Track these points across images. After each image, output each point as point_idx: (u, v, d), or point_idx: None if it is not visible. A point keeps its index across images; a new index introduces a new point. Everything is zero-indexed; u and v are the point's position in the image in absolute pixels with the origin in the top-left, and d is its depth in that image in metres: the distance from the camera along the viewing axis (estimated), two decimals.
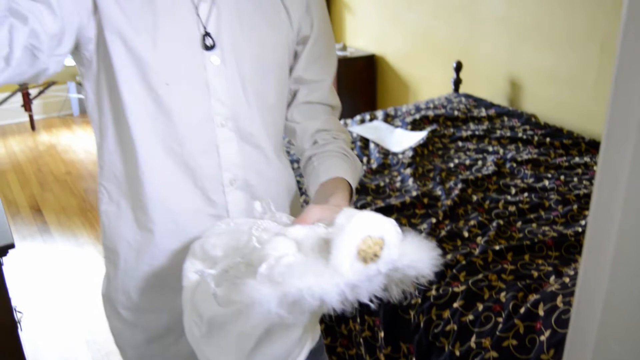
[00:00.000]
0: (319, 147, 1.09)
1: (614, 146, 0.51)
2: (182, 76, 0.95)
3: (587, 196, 2.13)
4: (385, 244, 0.72)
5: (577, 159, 2.49)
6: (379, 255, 0.71)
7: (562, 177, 2.31)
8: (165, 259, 1.03)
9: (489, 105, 3.08)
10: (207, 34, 0.96)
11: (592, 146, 2.61)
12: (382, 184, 2.31)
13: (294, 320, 0.68)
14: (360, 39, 4.29)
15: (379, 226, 0.72)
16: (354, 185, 1.04)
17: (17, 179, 3.93)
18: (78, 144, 4.54)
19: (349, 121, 3.09)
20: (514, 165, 2.42)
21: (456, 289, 1.63)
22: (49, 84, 4.54)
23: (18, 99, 4.77)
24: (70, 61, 1.00)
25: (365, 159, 2.60)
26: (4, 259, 1.59)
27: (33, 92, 4.78)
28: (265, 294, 0.66)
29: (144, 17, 0.91)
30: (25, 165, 4.15)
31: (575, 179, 2.30)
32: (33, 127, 4.87)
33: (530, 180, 2.30)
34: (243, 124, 1.01)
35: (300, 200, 1.21)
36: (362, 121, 3.04)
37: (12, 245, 1.53)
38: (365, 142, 2.75)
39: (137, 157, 0.98)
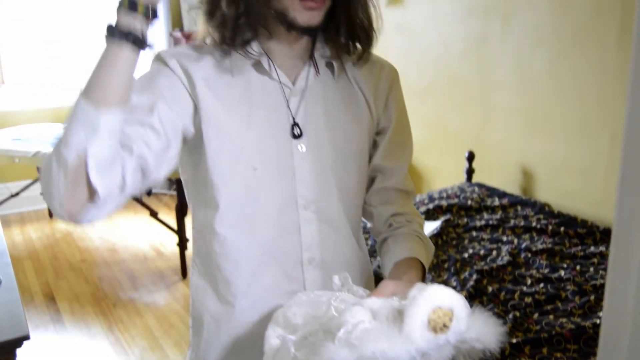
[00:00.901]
0: (394, 229, 1.16)
1: (624, 242, 0.52)
2: (270, 162, 1.06)
3: (604, 286, 2.10)
4: (454, 315, 0.77)
5: (592, 248, 2.47)
6: (448, 326, 0.77)
7: (578, 267, 2.29)
8: (243, 330, 1.11)
9: (502, 194, 3.10)
10: (295, 124, 1.07)
11: (607, 235, 2.59)
12: None
13: None
14: None
15: (449, 298, 0.78)
16: (427, 265, 1.10)
17: (32, 266, 3.95)
18: (94, 231, 4.59)
19: None
20: (529, 255, 2.41)
21: None
22: None
23: (37, 187, 4.86)
24: None
25: None
26: (19, 350, 1.59)
27: None
28: (343, 356, 0.71)
29: (240, 109, 1.04)
30: (41, 252, 4.18)
31: (592, 269, 2.28)
32: (51, 215, 4.94)
33: (546, 271, 2.28)
34: (324, 207, 1.10)
35: (373, 284, 1.26)
36: None
37: (27, 337, 1.53)
38: None
39: (224, 236, 1.08)
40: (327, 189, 1.10)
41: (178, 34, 5.20)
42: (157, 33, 5.24)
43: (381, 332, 0.75)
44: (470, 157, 3.37)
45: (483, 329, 0.80)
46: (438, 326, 0.77)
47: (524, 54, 3.10)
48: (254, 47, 1.05)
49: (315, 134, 1.09)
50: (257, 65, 1.07)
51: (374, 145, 1.17)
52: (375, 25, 1.09)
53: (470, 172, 3.39)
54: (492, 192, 3.13)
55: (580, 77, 2.83)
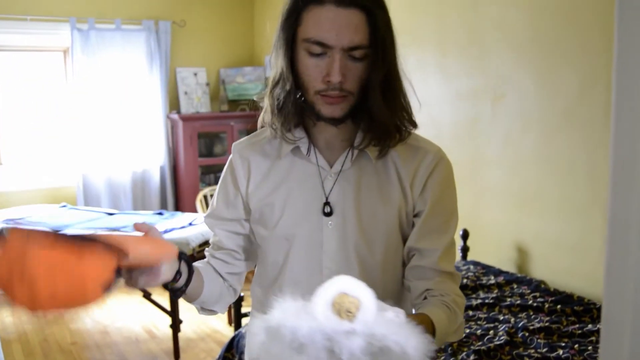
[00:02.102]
0: (427, 301, 1.19)
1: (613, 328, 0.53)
2: (302, 234, 1.23)
3: None
4: (361, 305, 0.83)
5: (590, 326, 2.46)
6: (353, 312, 0.82)
7: (576, 346, 2.27)
8: None
9: (497, 272, 3.10)
10: (327, 203, 1.22)
11: None
12: None
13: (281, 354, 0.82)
14: None
15: (357, 289, 0.85)
16: (438, 332, 1.07)
17: (21, 349, 3.87)
18: (86, 313, 4.52)
19: None
20: (527, 334, 2.39)
21: None
22: None
23: None
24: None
25: None
26: None
27: None
28: (257, 325, 0.84)
29: (278, 191, 1.25)
30: (31, 334, 4.10)
31: (590, 348, 2.25)
32: None
33: (544, 350, 2.26)
34: None
35: None
36: None
37: None
38: None
39: (258, 297, 1.33)
40: (347, 264, 1.21)
41: (175, 116, 5.31)
42: (155, 115, 5.35)
43: (292, 307, 0.85)
44: (465, 235, 3.39)
45: (402, 333, 0.83)
46: (342, 310, 0.82)
47: (514, 135, 3.18)
48: (297, 133, 1.23)
49: (344, 212, 1.22)
50: (297, 149, 1.25)
51: (413, 226, 1.25)
52: (407, 113, 1.22)
53: (465, 250, 3.40)
54: (488, 270, 3.13)
55: (570, 157, 2.89)
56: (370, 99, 1.15)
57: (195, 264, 1.29)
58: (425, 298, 1.20)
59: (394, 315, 0.87)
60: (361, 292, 0.85)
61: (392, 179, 1.23)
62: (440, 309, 1.14)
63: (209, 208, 1.37)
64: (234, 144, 1.33)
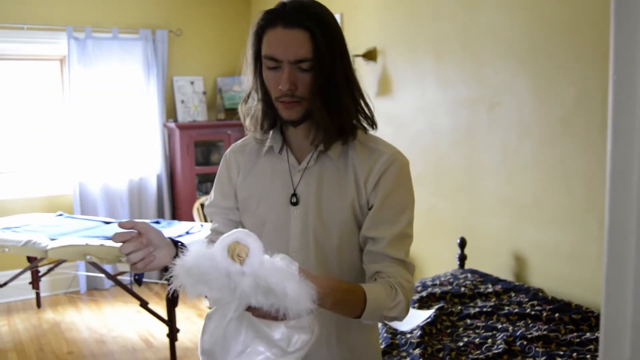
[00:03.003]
0: (374, 281, 1.39)
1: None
2: (274, 220, 1.47)
3: None
4: (249, 252, 1.09)
5: (588, 335, 2.45)
6: (243, 257, 1.09)
7: (574, 355, 2.27)
8: None
9: (495, 280, 3.09)
10: (294, 194, 1.46)
11: None
12: None
13: (192, 286, 1.10)
14: None
15: (248, 238, 1.11)
16: (371, 301, 1.29)
17: (17, 358, 3.85)
18: (82, 322, 4.50)
19: None
20: (525, 342, 2.38)
21: None
22: (58, 262, 4.60)
23: (27, 275, 4.81)
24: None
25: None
26: None
27: (43, 269, 4.83)
28: (177, 263, 1.11)
29: (258, 184, 1.51)
30: (27, 344, 4.08)
31: (589, 356, 2.25)
32: (39, 305, 4.86)
33: (543, 359, 2.25)
34: (305, 260, 1.43)
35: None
36: None
37: None
38: None
39: None
40: (307, 246, 1.44)
41: (172, 125, 5.31)
42: (152, 124, 5.35)
43: (199, 250, 1.11)
44: (462, 243, 3.38)
45: (280, 274, 1.07)
46: (235, 254, 1.09)
47: (511, 143, 3.19)
48: (273, 135, 1.48)
49: (307, 203, 1.44)
50: (272, 150, 1.50)
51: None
52: (363, 114, 1.44)
53: (462, 258, 3.40)
54: (485, 278, 3.13)
55: (567, 165, 2.90)
56: (309, 103, 1.36)
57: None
58: (375, 280, 1.38)
59: (282, 263, 1.09)
60: (251, 242, 1.10)
61: (349, 176, 1.43)
62: (382, 285, 1.33)
63: (208, 199, 1.62)
64: (231, 145, 1.60)
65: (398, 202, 1.42)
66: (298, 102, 1.36)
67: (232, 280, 1.07)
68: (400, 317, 1.37)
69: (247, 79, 1.47)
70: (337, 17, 4.45)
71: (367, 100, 1.45)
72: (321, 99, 1.36)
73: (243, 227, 1.53)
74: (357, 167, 1.43)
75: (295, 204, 1.45)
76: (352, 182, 1.42)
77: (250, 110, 1.50)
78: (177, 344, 3.70)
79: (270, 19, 1.35)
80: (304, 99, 1.36)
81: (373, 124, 1.46)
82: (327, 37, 1.34)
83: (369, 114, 1.45)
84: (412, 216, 1.44)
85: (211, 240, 1.50)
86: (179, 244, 1.39)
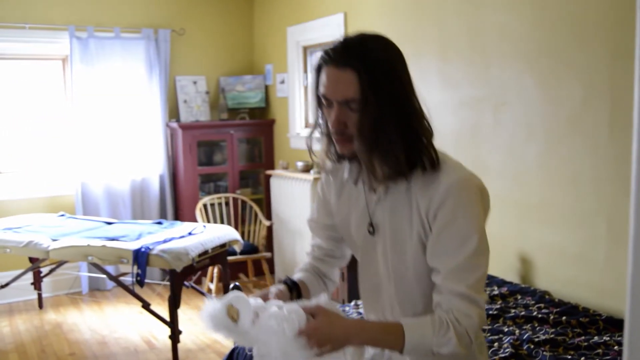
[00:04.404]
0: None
1: None
2: (362, 247, 1.59)
3: None
4: (240, 314, 1.32)
5: (596, 338, 2.41)
6: (236, 319, 1.32)
7: (582, 359, 2.23)
8: None
9: (500, 282, 3.05)
10: (370, 224, 1.54)
11: (610, 324, 2.54)
12: None
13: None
14: None
15: (238, 304, 1.33)
16: (411, 337, 1.33)
17: (18, 359, 3.83)
18: (84, 323, 4.47)
19: (360, 302, 3.05)
20: (532, 346, 2.35)
21: None
22: (60, 263, 4.57)
23: (29, 276, 4.78)
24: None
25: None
26: None
27: (44, 270, 4.81)
28: (203, 312, 1.36)
29: (345, 209, 1.62)
30: (28, 345, 4.06)
31: None
32: (41, 306, 4.83)
33: None
34: (386, 287, 1.54)
35: None
36: None
37: None
38: None
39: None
40: (388, 274, 1.52)
41: (174, 124, 5.28)
42: (154, 124, 5.32)
43: (214, 307, 1.34)
44: None
45: (267, 333, 1.29)
46: (230, 315, 1.31)
47: (517, 143, 3.15)
48: (350, 166, 1.57)
49: (383, 233, 1.51)
50: (348, 180, 1.59)
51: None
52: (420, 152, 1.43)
53: None
54: (491, 280, 3.09)
55: (574, 165, 2.86)
56: (354, 144, 1.40)
57: (298, 275, 1.68)
58: (434, 311, 1.40)
59: (274, 321, 1.29)
60: (240, 306, 1.33)
61: (413, 207, 1.44)
62: (431, 321, 1.35)
63: (311, 214, 1.75)
64: (326, 167, 1.63)
65: (458, 233, 1.38)
66: (349, 139, 1.40)
67: (235, 333, 1.33)
68: (460, 353, 1.36)
69: (312, 113, 1.53)
70: (340, 16, 4.41)
71: (433, 138, 1.46)
72: (370, 140, 1.37)
73: (341, 242, 1.73)
74: (419, 198, 1.43)
75: (372, 233, 1.53)
76: (416, 213, 1.44)
77: (313, 141, 1.58)
78: (179, 345, 3.67)
79: (325, 58, 1.39)
80: (354, 136, 1.39)
81: (434, 164, 1.42)
82: (376, 77, 1.33)
83: (432, 153, 1.43)
84: (479, 246, 1.40)
85: (315, 257, 1.75)
86: (287, 282, 1.62)
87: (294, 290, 1.60)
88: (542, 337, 2.41)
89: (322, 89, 1.39)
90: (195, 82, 5.53)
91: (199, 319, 1.30)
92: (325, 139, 1.50)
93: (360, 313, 2.85)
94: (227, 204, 5.38)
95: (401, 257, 1.47)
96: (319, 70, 1.41)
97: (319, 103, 1.44)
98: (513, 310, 2.73)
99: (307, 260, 1.76)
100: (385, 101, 1.34)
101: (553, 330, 2.50)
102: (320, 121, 1.48)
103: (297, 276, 1.69)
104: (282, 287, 1.57)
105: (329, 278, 1.75)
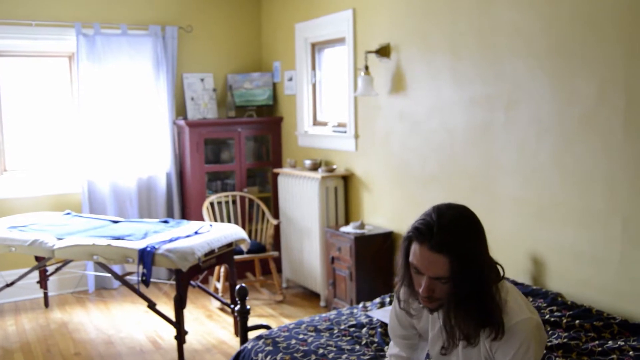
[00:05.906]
0: None
1: None
2: (433, 357, 1.85)
3: None
4: None
5: (610, 343, 2.35)
6: None
7: None
8: None
9: (512, 284, 2.99)
10: (442, 347, 1.73)
11: (625, 328, 2.48)
12: None
13: None
14: (378, 217, 4.33)
15: None
16: None
17: (23, 358, 3.79)
18: (90, 322, 4.44)
19: (368, 304, 3.00)
20: (544, 351, 2.29)
21: None
22: (66, 261, 4.54)
23: (34, 275, 4.76)
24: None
25: (386, 347, 2.48)
26: None
27: (50, 268, 4.78)
28: None
29: (430, 333, 1.85)
30: (34, 344, 4.03)
31: None
32: (47, 304, 4.81)
33: None
34: None
35: None
36: (382, 304, 2.95)
37: None
38: (386, 328, 2.64)
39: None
40: None
41: (181, 122, 5.24)
42: (161, 121, 5.28)
43: None
44: None
45: None
46: None
47: (529, 142, 3.09)
48: (434, 314, 1.75)
49: (454, 353, 1.74)
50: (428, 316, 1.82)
51: None
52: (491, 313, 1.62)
53: None
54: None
55: (588, 165, 2.80)
56: (442, 313, 1.65)
57: None
58: None
59: None
60: None
61: (481, 354, 1.67)
62: None
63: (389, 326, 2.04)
64: (410, 312, 1.87)
65: None
66: (435, 301, 1.63)
67: None
68: None
69: (398, 267, 1.73)
70: (349, 12, 4.35)
71: (503, 306, 1.62)
72: (456, 311, 1.60)
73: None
74: (485, 343, 1.64)
75: (444, 354, 1.74)
76: (483, 346, 1.65)
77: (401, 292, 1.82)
78: (185, 346, 3.63)
79: (418, 236, 1.60)
80: (439, 299, 1.62)
81: (499, 333, 1.60)
82: (465, 263, 1.55)
83: (499, 319, 1.60)
84: None
85: None
86: None
87: None
88: (555, 342, 2.35)
89: (414, 261, 1.61)
90: (202, 80, 5.49)
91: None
92: (409, 291, 1.73)
93: (368, 316, 2.80)
94: (234, 202, 5.34)
95: None
96: (409, 241, 1.63)
97: (407, 264, 1.66)
98: None
99: None
100: (471, 280, 1.56)
101: (566, 334, 2.44)
102: (405, 276, 1.69)
103: None
104: None
105: None
